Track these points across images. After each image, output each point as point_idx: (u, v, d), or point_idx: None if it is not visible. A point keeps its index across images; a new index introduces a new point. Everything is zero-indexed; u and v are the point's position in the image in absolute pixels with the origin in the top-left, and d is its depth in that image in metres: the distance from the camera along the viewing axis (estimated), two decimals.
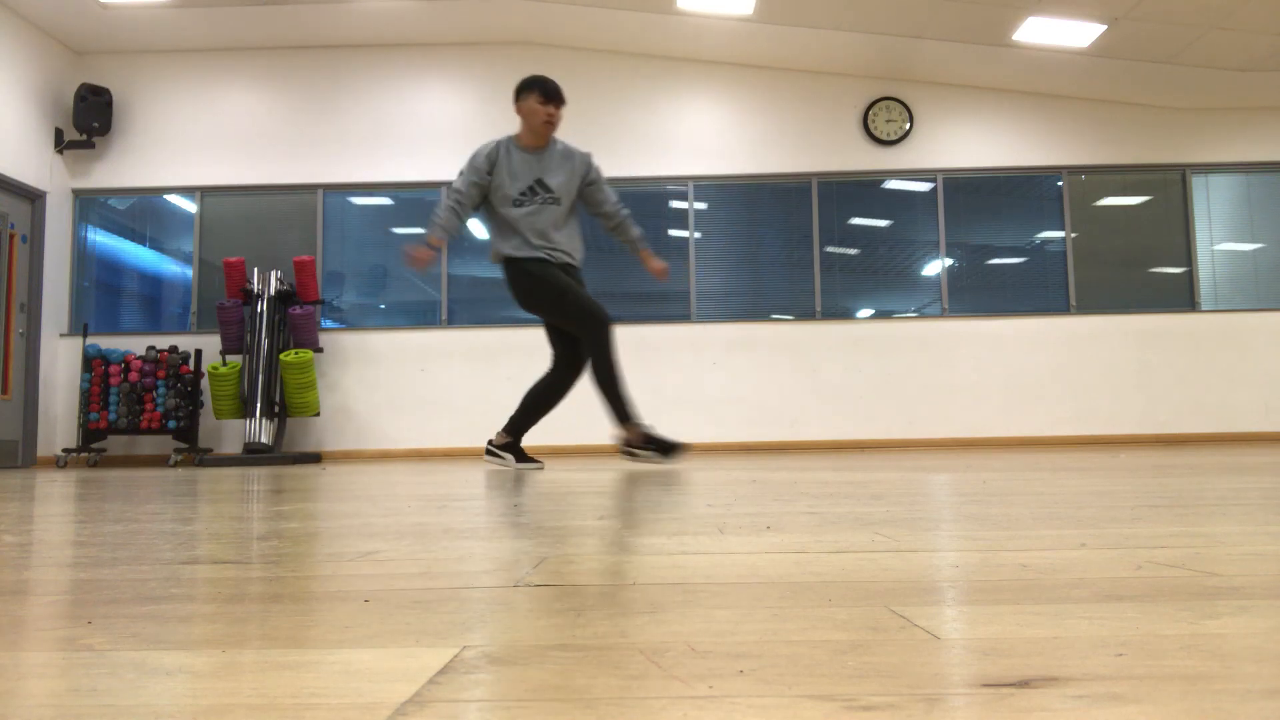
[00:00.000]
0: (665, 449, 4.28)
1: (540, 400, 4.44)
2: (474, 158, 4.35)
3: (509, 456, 4.47)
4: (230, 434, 8.18)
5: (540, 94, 4.31)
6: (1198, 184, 8.49)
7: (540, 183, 4.32)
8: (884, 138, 8.44)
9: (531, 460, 4.48)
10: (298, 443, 8.12)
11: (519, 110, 4.37)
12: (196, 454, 7.58)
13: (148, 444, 8.21)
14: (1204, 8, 7.08)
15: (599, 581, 1.04)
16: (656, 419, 8.09)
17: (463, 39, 8.51)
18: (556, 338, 4.43)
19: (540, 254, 4.29)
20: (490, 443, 4.55)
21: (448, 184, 8.41)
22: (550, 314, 4.27)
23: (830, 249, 8.40)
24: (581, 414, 8.07)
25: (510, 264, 4.32)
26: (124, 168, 8.47)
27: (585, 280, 5.16)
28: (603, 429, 8.06)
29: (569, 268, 4.40)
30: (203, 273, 8.42)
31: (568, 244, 4.38)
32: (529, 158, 4.35)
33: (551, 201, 4.32)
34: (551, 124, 4.33)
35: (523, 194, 4.29)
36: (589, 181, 4.43)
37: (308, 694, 0.61)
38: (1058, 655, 0.67)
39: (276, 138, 8.49)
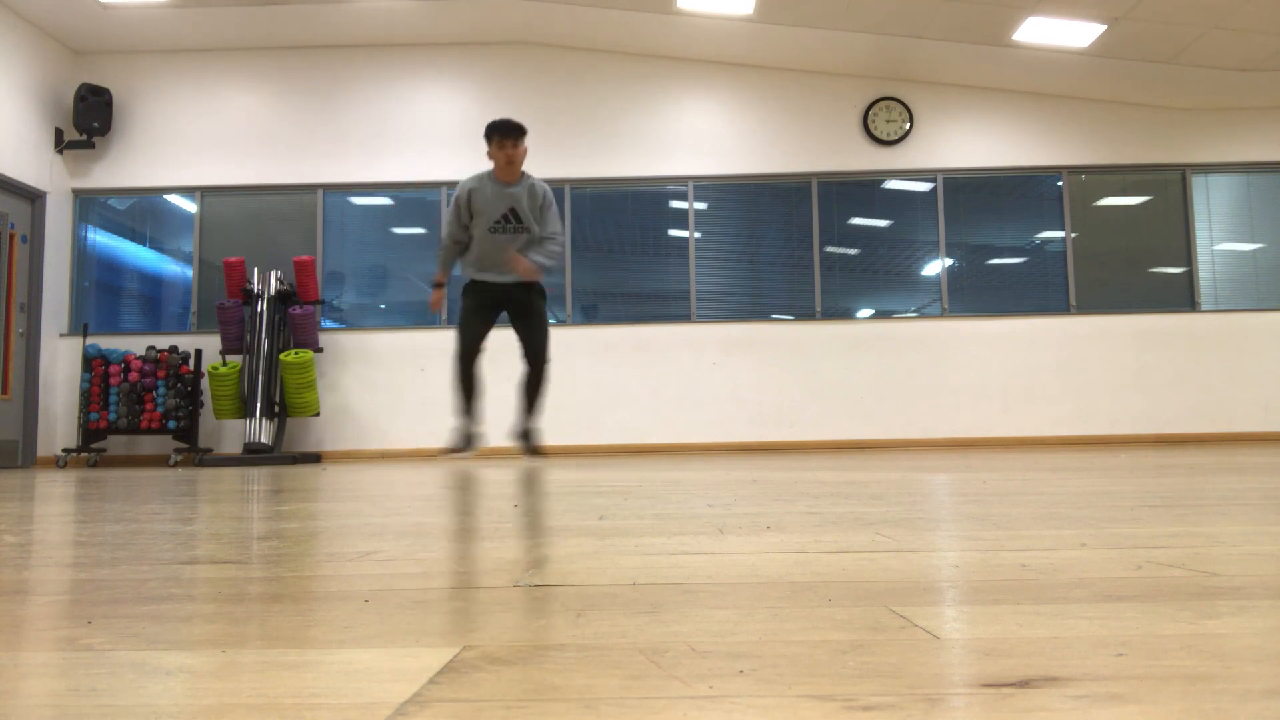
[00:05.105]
0: (462, 448, 5.13)
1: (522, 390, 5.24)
2: (455, 201, 5.03)
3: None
4: (230, 434, 8.18)
5: (497, 138, 4.90)
6: (1198, 184, 8.49)
7: (511, 212, 4.96)
8: (884, 138, 8.44)
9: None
10: (298, 443, 8.12)
11: (489, 155, 4.96)
12: (196, 454, 7.58)
13: (148, 444, 8.21)
14: (1204, 8, 7.08)
15: (599, 581, 1.04)
16: (657, 419, 8.09)
17: (462, 39, 8.51)
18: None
19: (485, 279, 5.01)
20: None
21: (447, 184, 8.42)
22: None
23: (830, 249, 8.40)
24: (580, 416, 8.08)
25: (471, 283, 5.10)
26: (124, 168, 8.47)
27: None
28: (603, 430, 8.07)
29: (521, 285, 5.04)
30: (203, 273, 8.42)
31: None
32: (503, 190, 4.97)
33: (522, 230, 4.98)
34: (513, 162, 4.93)
35: (497, 222, 4.96)
36: (545, 213, 5.03)
37: (308, 694, 0.61)
38: (1058, 655, 0.67)
39: (276, 138, 8.49)
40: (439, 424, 8.09)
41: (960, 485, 2.60)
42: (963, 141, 8.47)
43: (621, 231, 8.43)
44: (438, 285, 5.17)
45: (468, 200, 4.98)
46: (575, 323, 8.24)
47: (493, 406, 8.06)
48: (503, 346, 8.13)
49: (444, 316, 8.28)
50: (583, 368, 8.13)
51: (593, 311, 8.35)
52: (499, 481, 3.30)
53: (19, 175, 7.76)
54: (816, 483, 2.84)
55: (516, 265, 4.88)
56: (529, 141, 8.45)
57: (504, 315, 5.20)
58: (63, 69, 8.35)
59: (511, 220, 4.94)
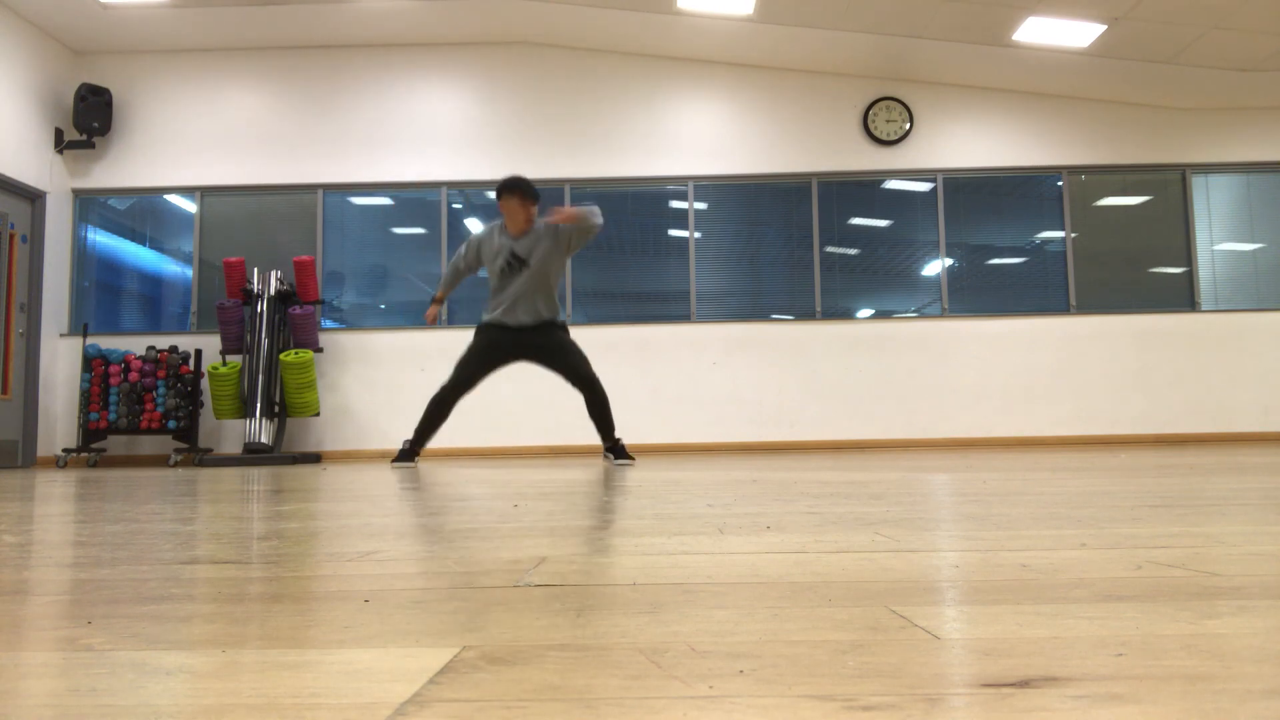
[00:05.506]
0: (405, 457, 5.36)
1: (595, 413, 5.26)
2: (468, 243, 5.33)
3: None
4: (230, 434, 8.18)
5: (503, 198, 5.11)
6: (1198, 184, 8.48)
7: (515, 255, 5.15)
8: (884, 138, 8.44)
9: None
10: (298, 443, 8.12)
11: (502, 208, 5.15)
12: (196, 454, 7.58)
13: (148, 444, 8.21)
14: (1204, 8, 7.08)
15: (599, 581, 1.04)
16: (657, 419, 8.10)
17: (463, 39, 8.51)
18: (566, 378, 5.23)
19: (497, 319, 5.19)
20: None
21: (448, 184, 8.42)
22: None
23: (830, 249, 8.40)
24: (580, 416, 8.07)
25: (484, 323, 5.28)
26: (124, 168, 8.47)
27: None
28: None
29: (540, 326, 5.18)
30: (203, 273, 8.42)
31: (536, 307, 5.17)
32: (509, 242, 5.19)
33: (526, 267, 5.14)
34: (531, 220, 5.17)
35: (504, 268, 5.17)
36: (563, 239, 5.14)
37: (308, 694, 0.61)
38: (1058, 655, 0.67)
39: (276, 138, 8.49)
40: None
41: (960, 485, 2.60)
42: (963, 141, 8.47)
43: (621, 231, 8.43)
44: (435, 300, 5.50)
45: (477, 248, 5.29)
46: (575, 323, 8.25)
47: (494, 412, 8.07)
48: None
49: (444, 317, 8.28)
50: None
51: (596, 313, 8.35)
52: (499, 482, 3.31)
53: (19, 175, 7.76)
54: (816, 483, 2.84)
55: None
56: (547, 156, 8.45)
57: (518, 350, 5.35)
58: (63, 69, 8.35)
59: (515, 264, 5.16)
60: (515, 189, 5.13)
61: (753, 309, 8.33)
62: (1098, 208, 8.47)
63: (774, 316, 8.29)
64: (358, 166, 8.42)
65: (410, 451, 5.33)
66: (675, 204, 8.44)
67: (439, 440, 8.07)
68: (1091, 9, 7.19)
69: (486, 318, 5.26)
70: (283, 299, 7.76)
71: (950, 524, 1.58)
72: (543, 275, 5.16)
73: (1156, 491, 2.22)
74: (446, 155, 8.44)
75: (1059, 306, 8.32)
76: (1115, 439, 8.12)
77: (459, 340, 8.14)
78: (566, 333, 5.25)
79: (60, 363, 8.24)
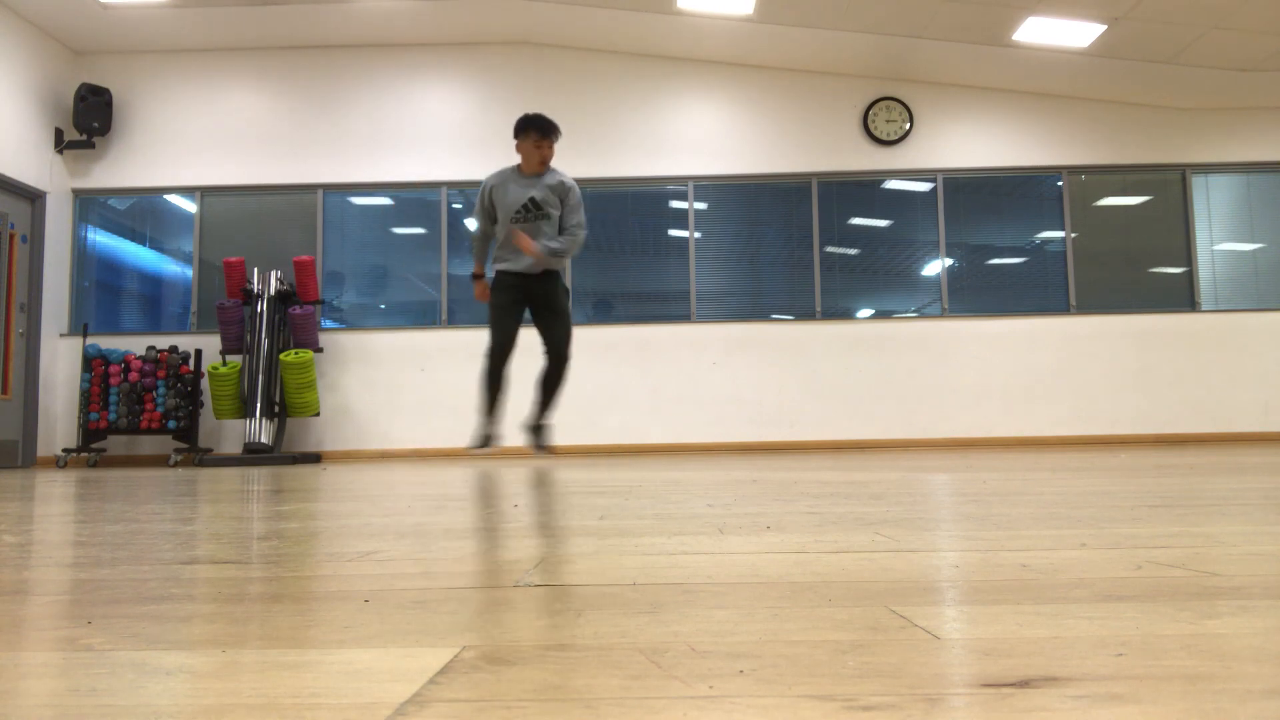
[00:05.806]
0: (481, 446, 5.24)
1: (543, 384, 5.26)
2: (481, 193, 5.20)
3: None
4: (230, 434, 8.18)
5: (534, 136, 5.05)
6: (1198, 184, 8.48)
7: (534, 202, 5.09)
8: (884, 138, 8.44)
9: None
10: (298, 443, 8.12)
11: (518, 148, 5.09)
12: (196, 454, 7.58)
13: (148, 444, 8.21)
14: (1204, 8, 7.08)
15: (599, 581, 1.04)
16: (657, 419, 8.09)
17: (463, 39, 8.51)
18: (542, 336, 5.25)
19: (516, 268, 5.11)
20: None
21: (448, 184, 8.42)
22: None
23: (830, 249, 8.40)
24: (581, 415, 8.07)
25: (496, 275, 5.21)
26: (124, 168, 8.47)
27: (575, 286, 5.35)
28: (604, 430, 8.07)
29: (548, 275, 5.16)
30: (203, 273, 8.41)
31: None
32: (524, 181, 5.12)
33: (543, 217, 5.10)
34: (545, 160, 5.11)
35: (518, 212, 5.08)
36: (567, 205, 5.16)
37: (308, 694, 0.61)
38: (1058, 655, 0.67)
39: (276, 138, 8.49)
40: (439, 424, 8.09)
41: (960, 485, 2.60)
42: (963, 141, 8.47)
43: (622, 231, 8.43)
44: (476, 277, 5.34)
45: (490, 197, 5.15)
46: (576, 323, 8.25)
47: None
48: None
49: (444, 317, 8.28)
50: (583, 367, 8.14)
51: (602, 311, 8.35)
52: (501, 481, 3.31)
53: (19, 175, 7.76)
54: (816, 483, 2.84)
55: (522, 244, 4.99)
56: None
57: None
58: (63, 69, 8.35)
59: (532, 209, 5.06)
60: (533, 127, 5.03)
61: (753, 309, 8.33)
62: (1098, 208, 8.47)
63: (774, 316, 8.29)
64: (358, 166, 8.42)
65: (487, 431, 5.15)
66: (675, 204, 8.44)
67: (439, 441, 8.07)
68: (1091, 9, 7.19)
69: (502, 267, 5.15)
70: (283, 299, 7.76)
71: (950, 524, 1.58)
72: (554, 224, 5.13)
73: (1156, 491, 2.22)
74: (446, 155, 8.44)
75: (1059, 306, 8.32)
76: (1115, 439, 8.12)
77: (459, 340, 8.14)
78: (568, 296, 5.24)
79: (60, 363, 8.24)
